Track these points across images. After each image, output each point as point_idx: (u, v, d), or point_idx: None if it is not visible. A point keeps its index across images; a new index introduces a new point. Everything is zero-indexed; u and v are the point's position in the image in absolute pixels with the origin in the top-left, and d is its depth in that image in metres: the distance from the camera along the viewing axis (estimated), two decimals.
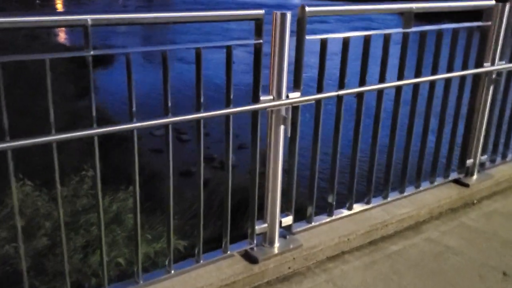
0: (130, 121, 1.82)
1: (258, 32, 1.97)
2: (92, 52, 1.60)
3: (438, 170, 2.99)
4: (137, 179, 1.95)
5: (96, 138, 1.78)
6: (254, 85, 2.03)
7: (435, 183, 2.98)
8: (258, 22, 1.96)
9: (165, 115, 1.86)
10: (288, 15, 2.00)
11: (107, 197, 5.52)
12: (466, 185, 3.04)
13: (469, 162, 3.09)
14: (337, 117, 2.36)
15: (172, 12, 1.89)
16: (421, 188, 2.90)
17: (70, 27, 1.63)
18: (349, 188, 2.57)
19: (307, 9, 2.05)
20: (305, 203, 2.44)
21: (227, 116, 1.99)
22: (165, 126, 1.89)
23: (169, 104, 1.87)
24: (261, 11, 1.94)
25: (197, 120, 1.93)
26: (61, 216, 1.83)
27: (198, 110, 1.91)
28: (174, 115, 1.85)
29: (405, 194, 2.83)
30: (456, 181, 3.07)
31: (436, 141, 2.91)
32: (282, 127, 2.12)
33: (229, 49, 1.93)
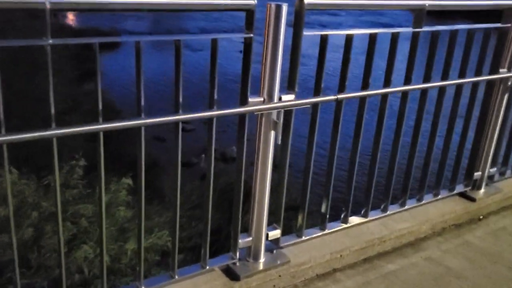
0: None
1: (249, 25, 1.75)
2: (51, 41, 1.39)
3: (443, 182, 2.76)
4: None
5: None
6: (242, 85, 1.82)
7: (439, 196, 2.76)
8: (249, 14, 1.74)
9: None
10: (284, 7, 1.77)
11: (98, 189, 5.34)
12: (473, 199, 2.82)
13: (477, 174, 2.86)
14: (335, 123, 2.14)
15: None
16: (423, 201, 2.68)
17: (29, 9, 1.42)
18: (345, 199, 2.36)
19: (306, 1, 1.82)
20: (296, 214, 2.23)
21: (210, 119, 1.77)
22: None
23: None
24: (253, 1, 1.72)
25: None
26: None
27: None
28: (185, 112, 1.68)
29: (406, 207, 2.61)
30: (462, 195, 2.85)
31: (443, 150, 2.69)
32: (272, 133, 1.91)
33: (214, 43, 1.71)
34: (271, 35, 1.80)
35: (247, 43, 1.77)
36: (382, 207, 2.54)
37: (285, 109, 1.88)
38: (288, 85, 1.94)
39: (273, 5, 1.77)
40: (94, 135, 1.62)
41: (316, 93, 2.01)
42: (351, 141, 2.27)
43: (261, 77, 1.87)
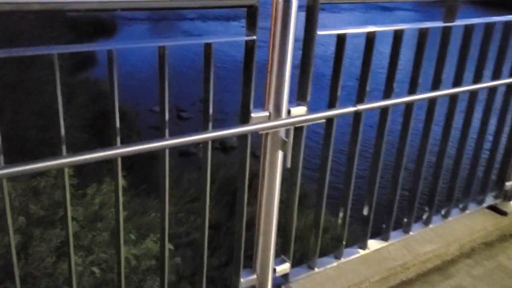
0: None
1: (251, 25, 1.41)
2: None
3: (470, 194, 2.44)
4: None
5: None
6: (243, 98, 1.48)
7: (467, 211, 2.44)
8: (251, 11, 1.39)
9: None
10: (294, 2, 1.43)
11: (90, 189, 5.02)
12: (504, 213, 2.50)
13: (508, 184, 2.54)
14: (353, 137, 1.81)
15: None
16: (450, 218, 2.36)
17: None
18: (365, 221, 2.04)
19: None
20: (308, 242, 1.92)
21: (204, 143, 1.45)
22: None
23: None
24: None
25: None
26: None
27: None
28: (216, 129, 1.40)
29: (431, 226, 2.29)
30: (492, 208, 2.53)
31: (473, 158, 2.36)
32: (280, 154, 1.58)
33: (208, 48, 1.37)
34: (278, 36, 1.46)
35: (249, 47, 1.43)
36: (404, 227, 2.22)
37: (296, 125, 1.55)
38: (299, 96, 1.61)
39: None
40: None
41: (332, 104, 1.67)
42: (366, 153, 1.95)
43: (265, 86, 1.54)
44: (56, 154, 1.24)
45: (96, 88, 12.94)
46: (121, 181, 1.42)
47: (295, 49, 1.49)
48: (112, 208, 4.99)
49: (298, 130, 1.58)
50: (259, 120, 1.51)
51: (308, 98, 1.60)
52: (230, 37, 1.41)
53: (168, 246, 1.62)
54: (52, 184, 4.95)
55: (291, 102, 1.57)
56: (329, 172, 1.76)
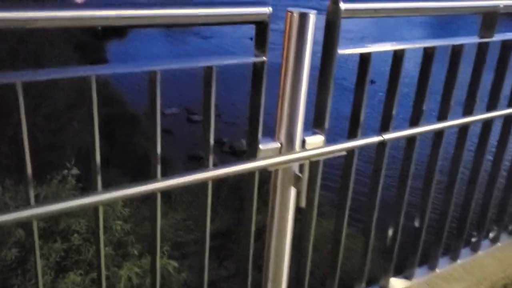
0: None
1: (261, 43, 1.20)
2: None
3: (502, 224, 2.21)
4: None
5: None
6: (250, 128, 1.27)
7: (498, 243, 2.20)
8: (261, 27, 1.18)
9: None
10: (312, 16, 1.22)
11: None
12: None
13: None
14: (376, 169, 1.59)
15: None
16: (480, 252, 2.13)
17: None
18: (386, 259, 1.81)
19: (343, 6, 1.26)
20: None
21: (204, 183, 1.24)
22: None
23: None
24: (266, 9, 1.16)
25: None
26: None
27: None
28: (217, 167, 1.18)
29: (459, 261, 2.06)
30: None
31: (506, 185, 2.13)
32: (292, 191, 1.37)
33: (209, 71, 1.16)
34: (293, 55, 1.25)
35: (258, 69, 1.22)
36: (429, 263, 1.99)
37: (312, 159, 1.33)
38: (315, 123, 1.39)
39: (295, 13, 1.22)
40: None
41: (352, 132, 1.45)
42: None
43: (277, 112, 1.33)
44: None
45: (105, 90, 12.83)
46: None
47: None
48: (117, 220, 4.81)
49: (314, 163, 1.36)
50: (269, 153, 1.30)
51: (326, 125, 1.38)
52: (235, 58, 1.19)
53: (172, 263, 1.42)
54: (54, 193, 4.78)
55: (305, 130, 1.36)
56: (348, 209, 1.54)
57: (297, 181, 1.34)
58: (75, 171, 4.91)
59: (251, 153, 1.29)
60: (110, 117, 11.01)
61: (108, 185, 1.13)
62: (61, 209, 1.01)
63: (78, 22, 0.90)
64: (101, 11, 0.93)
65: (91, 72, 1.01)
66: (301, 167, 1.32)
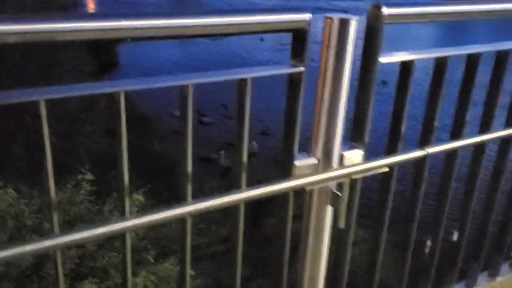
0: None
1: (298, 54, 1.10)
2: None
3: None
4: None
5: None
6: (285, 143, 1.18)
7: None
8: (299, 36, 1.09)
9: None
10: (353, 23, 1.12)
11: (107, 205, 4.77)
12: None
13: None
14: (416, 183, 1.48)
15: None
16: (498, 277, 2.01)
17: None
18: (423, 277, 1.71)
19: (386, 11, 1.16)
20: None
21: (236, 208, 1.14)
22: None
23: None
24: (306, 16, 1.07)
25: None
26: None
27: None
28: (250, 188, 1.07)
29: (499, 278, 1.95)
30: None
31: None
32: (329, 209, 1.27)
33: (242, 84, 1.07)
34: (332, 63, 1.15)
35: (295, 81, 1.12)
36: (467, 279, 1.88)
37: (352, 177, 1.23)
38: (353, 136, 1.30)
39: (335, 19, 1.12)
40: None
41: (392, 147, 1.35)
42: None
43: (313, 125, 1.23)
44: None
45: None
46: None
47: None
48: None
49: (353, 180, 1.26)
50: (305, 170, 1.20)
51: (366, 138, 1.28)
52: (271, 69, 1.10)
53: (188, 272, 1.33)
54: (67, 200, 4.73)
55: (343, 144, 1.26)
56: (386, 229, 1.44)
57: (335, 200, 1.24)
58: (89, 176, 4.86)
59: (286, 170, 1.20)
60: None
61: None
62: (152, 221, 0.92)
63: (110, 33, 0.81)
64: (131, 21, 0.85)
65: (119, 88, 0.92)
66: (339, 185, 1.22)
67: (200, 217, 9.52)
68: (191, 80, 0.97)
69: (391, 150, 1.34)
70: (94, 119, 9.51)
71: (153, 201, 7.48)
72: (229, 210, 1.20)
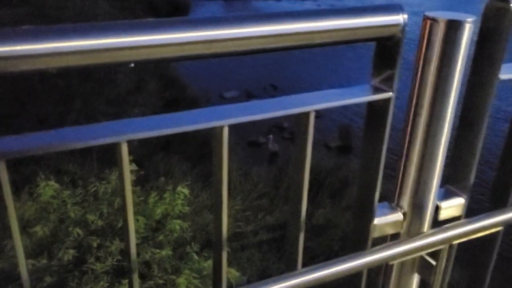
0: None
1: (385, 71, 0.76)
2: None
3: None
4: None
5: None
6: (360, 193, 0.84)
7: None
8: (388, 46, 0.74)
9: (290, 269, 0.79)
10: (468, 26, 0.76)
11: (151, 198, 4.59)
12: None
13: None
14: None
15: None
16: None
17: None
18: None
19: None
20: None
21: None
22: None
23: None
24: (399, 17, 0.72)
25: None
26: None
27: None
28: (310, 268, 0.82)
29: None
30: None
31: None
32: (415, 277, 0.93)
33: (304, 118, 0.73)
34: (432, 82, 0.80)
35: (379, 109, 0.78)
36: None
37: (453, 242, 0.88)
38: (451, 177, 0.94)
39: (441, 20, 0.76)
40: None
41: (499, 199, 0.98)
42: None
43: (400, 164, 0.89)
44: None
45: (167, 73, 12.68)
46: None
47: None
48: (176, 219, 4.55)
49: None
50: (386, 229, 0.87)
51: (471, 181, 0.93)
52: (344, 95, 0.76)
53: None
54: (112, 191, 4.57)
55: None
56: None
57: (425, 269, 0.90)
58: (133, 166, 4.68)
59: (360, 228, 0.86)
60: (170, 102, 10.86)
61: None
62: None
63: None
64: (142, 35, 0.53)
65: (122, 136, 0.62)
66: (437, 252, 0.88)
67: (247, 204, 9.30)
68: (225, 121, 0.65)
69: (494, 201, 0.97)
70: (141, 102, 9.42)
71: (200, 186, 7.31)
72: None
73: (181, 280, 3.61)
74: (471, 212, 0.95)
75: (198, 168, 8.62)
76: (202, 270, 3.96)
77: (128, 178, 0.64)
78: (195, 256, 4.01)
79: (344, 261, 0.76)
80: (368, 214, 0.85)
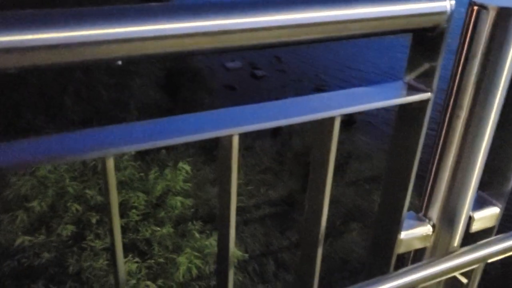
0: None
1: (424, 67, 0.64)
2: None
3: None
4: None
5: None
6: (385, 202, 0.74)
7: None
8: (430, 38, 0.62)
9: None
10: None
11: (151, 173, 4.50)
12: None
13: None
14: None
15: None
16: None
17: None
18: None
19: None
20: None
21: None
22: None
23: None
24: (445, 3, 0.60)
25: None
26: None
27: None
28: None
29: None
30: None
31: None
32: None
33: (328, 124, 0.62)
34: (475, 77, 0.69)
35: (414, 111, 0.67)
36: None
37: (488, 261, 0.78)
38: (486, 184, 0.84)
39: (490, 7, 0.64)
40: None
41: None
42: None
43: (431, 170, 0.78)
44: None
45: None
46: None
47: None
48: (177, 195, 4.47)
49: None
50: (414, 243, 0.77)
51: (508, 189, 0.82)
52: (373, 96, 0.64)
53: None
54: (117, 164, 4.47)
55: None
56: None
57: (455, 287, 0.80)
58: None
59: (385, 242, 0.76)
60: (172, 72, 10.69)
61: None
62: None
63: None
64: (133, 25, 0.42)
65: (106, 150, 0.51)
66: (470, 272, 0.78)
67: (250, 177, 9.25)
68: (236, 128, 0.54)
69: None
70: (142, 72, 9.26)
71: (203, 159, 7.22)
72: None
73: (182, 259, 3.55)
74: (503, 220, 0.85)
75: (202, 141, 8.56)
76: (204, 248, 3.90)
77: (115, 198, 0.53)
78: (197, 234, 3.95)
79: (368, 286, 0.66)
80: (394, 227, 0.75)
